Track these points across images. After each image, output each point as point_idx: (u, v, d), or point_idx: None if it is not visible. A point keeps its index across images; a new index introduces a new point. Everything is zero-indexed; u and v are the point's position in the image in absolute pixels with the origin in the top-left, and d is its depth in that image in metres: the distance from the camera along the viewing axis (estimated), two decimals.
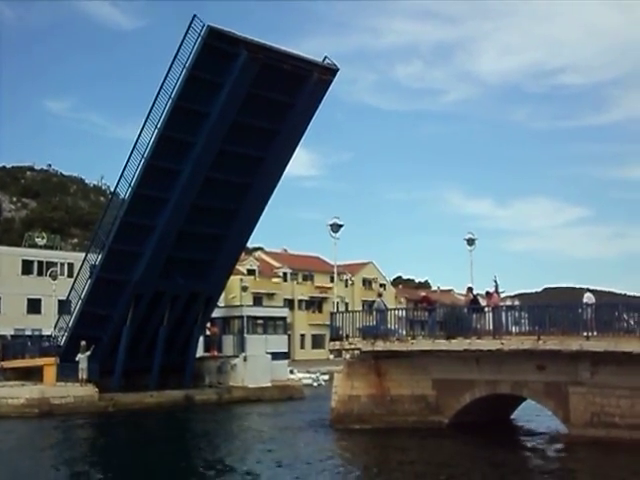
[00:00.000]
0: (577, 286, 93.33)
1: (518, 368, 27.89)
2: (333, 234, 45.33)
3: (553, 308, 29.99)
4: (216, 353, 49.08)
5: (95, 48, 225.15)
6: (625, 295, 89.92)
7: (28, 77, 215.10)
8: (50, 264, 75.84)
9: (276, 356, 48.82)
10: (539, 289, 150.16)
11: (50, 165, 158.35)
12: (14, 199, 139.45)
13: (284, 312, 58.27)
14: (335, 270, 52.11)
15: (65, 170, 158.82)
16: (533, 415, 32.14)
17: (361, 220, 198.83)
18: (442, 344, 29.24)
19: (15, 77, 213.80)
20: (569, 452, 25.30)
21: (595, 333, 26.19)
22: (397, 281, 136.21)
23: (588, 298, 27.96)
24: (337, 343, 32.93)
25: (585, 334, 26.07)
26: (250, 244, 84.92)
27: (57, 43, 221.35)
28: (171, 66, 37.50)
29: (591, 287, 30.95)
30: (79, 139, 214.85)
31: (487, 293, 33.33)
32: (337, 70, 40.63)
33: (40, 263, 77.75)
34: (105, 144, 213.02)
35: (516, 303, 43.57)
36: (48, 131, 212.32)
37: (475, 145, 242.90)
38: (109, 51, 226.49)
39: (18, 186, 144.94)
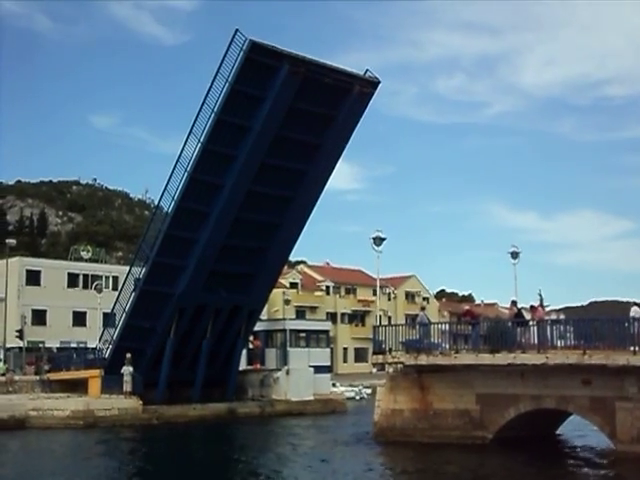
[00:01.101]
0: (624, 300, 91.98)
1: (563, 383, 27.48)
2: (376, 247, 45.47)
3: (599, 322, 29.51)
4: (259, 366, 49.14)
5: (139, 64, 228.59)
6: None
7: (73, 92, 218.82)
8: (95, 277, 76.75)
9: (319, 369, 48.69)
10: (585, 303, 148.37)
11: (95, 179, 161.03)
12: (60, 213, 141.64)
13: (327, 325, 58.13)
14: (378, 283, 52.24)
15: (110, 184, 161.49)
16: (579, 431, 31.64)
17: (404, 233, 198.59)
18: (486, 358, 28.90)
19: (61, 93, 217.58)
20: (615, 468, 24.82)
21: None
22: (440, 294, 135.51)
23: (635, 312, 27.45)
24: (380, 357, 32.70)
25: (632, 349, 25.60)
26: (293, 257, 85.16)
27: (102, 60, 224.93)
28: (214, 80, 37.83)
29: (638, 301, 30.41)
30: (124, 153, 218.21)
31: (531, 307, 32.97)
32: (378, 83, 40.62)
33: (85, 276, 78.61)
34: (149, 158, 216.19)
35: (561, 317, 43.01)
36: (93, 146, 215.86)
37: (519, 158, 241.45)
38: (153, 67, 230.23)
39: (64, 200, 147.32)
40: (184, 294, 41.49)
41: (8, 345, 67.34)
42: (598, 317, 34.06)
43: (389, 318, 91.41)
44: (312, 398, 46.92)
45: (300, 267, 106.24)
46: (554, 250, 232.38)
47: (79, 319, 75.90)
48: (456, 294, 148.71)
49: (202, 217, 40.32)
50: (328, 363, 53.02)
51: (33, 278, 75.38)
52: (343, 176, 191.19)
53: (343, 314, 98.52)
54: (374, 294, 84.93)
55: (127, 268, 47.64)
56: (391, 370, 33.01)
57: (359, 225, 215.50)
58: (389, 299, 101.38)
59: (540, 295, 67.53)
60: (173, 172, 39.92)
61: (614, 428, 26.04)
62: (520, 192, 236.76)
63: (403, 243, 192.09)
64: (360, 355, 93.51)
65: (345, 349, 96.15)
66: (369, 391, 57.35)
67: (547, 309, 47.79)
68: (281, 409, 44.95)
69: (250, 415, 43.28)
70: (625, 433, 25.61)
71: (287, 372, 47.06)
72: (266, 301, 49.57)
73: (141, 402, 40.51)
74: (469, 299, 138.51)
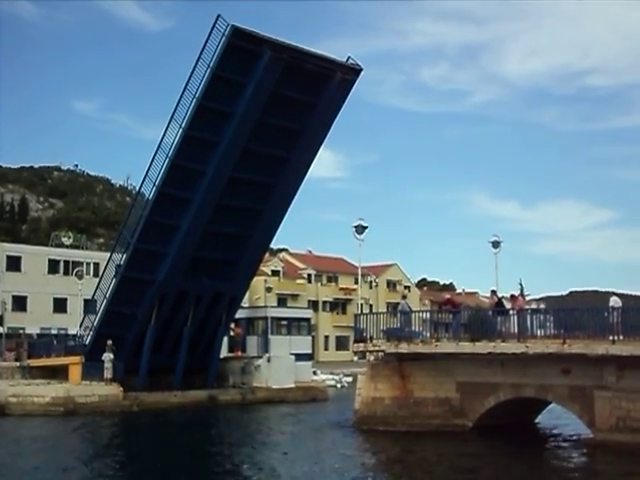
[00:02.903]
0: (603, 289, 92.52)
1: (543, 372, 27.63)
2: (358, 236, 45.19)
3: (579, 311, 29.63)
4: (240, 354, 49.09)
5: (123, 50, 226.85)
6: None
7: (56, 78, 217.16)
8: (76, 264, 76.41)
9: (300, 357, 48.73)
10: (565, 292, 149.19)
11: (77, 165, 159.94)
12: (41, 199, 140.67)
13: (308, 313, 58.20)
14: (359, 272, 52.01)
15: (92, 170, 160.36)
16: (558, 419, 31.83)
17: (386, 222, 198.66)
18: (466, 347, 29.00)
19: (43, 78, 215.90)
20: (594, 457, 25.04)
21: (621, 337, 25.87)
22: (422, 283, 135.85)
23: (614, 302, 27.65)
24: (361, 345, 32.78)
25: (611, 338, 25.73)
26: (275, 245, 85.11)
27: (85, 45, 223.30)
28: (195, 66, 37.62)
29: (617, 290, 30.68)
30: (106, 139, 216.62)
31: (512, 296, 33.09)
32: (360, 70, 40.54)
33: (66, 263, 78.31)
34: (131, 144, 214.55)
35: (541, 306, 43.17)
36: (75, 131, 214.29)
37: (502, 147, 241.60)
38: (136, 52, 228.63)
39: (45, 186, 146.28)
40: (165, 281, 41.36)
41: None
42: (578, 307, 34.21)
43: (370, 306, 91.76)
44: (293, 386, 46.92)
45: (282, 255, 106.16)
46: (535, 239, 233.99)
47: (60, 305, 75.65)
48: (437, 283, 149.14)
49: (183, 203, 40.15)
50: (309, 351, 53.06)
51: (13, 264, 75.10)
52: (326, 164, 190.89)
53: (325, 302, 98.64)
54: (356, 282, 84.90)
55: (108, 254, 47.43)
56: (372, 358, 33.10)
57: (341, 213, 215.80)
58: (370, 287, 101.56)
59: (520, 284, 67.83)
60: (154, 158, 39.75)
61: (593, 417, 26.20)
62: (502, 181, 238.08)
63: (385, 231, 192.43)
64: (341, 343, 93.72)
65: (326, 337, 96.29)
66: (350, 379, 57.47)
67: (527, 298, 48.01)
68: (262, 396, 44.95)
69: (231, 402, 43.24)
70: (603, 422, 25.76)
71: (268, 359, 47.03)
72: (247, 288, 49.50)
73: (122, 389, 40.41)
74: (450, 288, 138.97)
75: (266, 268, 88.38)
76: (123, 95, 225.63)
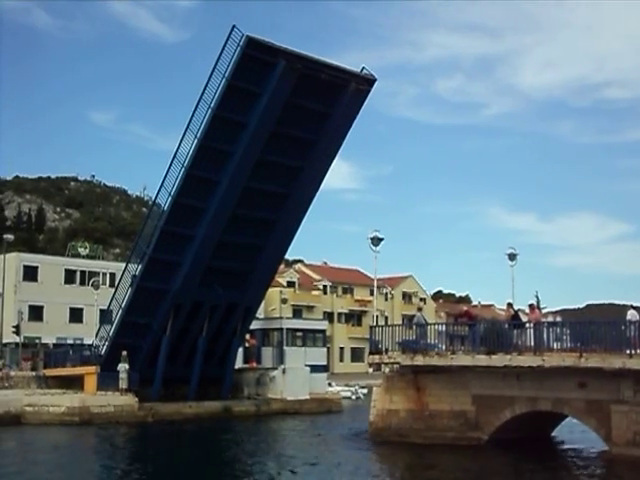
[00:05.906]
0: (620, 303, 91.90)
1: (559, 385, 27.42)
2: (373, 247, 45.28)
3: (596, 325, 29.36)
4: (255, 365, 49.07)
5: (139, 60, 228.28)
6: None
7: (72, 89, 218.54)
8: (92, 274, 76.68)
9: (315, 369, 48.59)
10: (582, 305, 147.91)
11: (94, 176, 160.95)
12: (58, 209, 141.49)
13: (323, 325, 58.08)
14: (375, 283, 52.03)
15: (108, 181, 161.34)
16: (574, 433, 31.56)
17: (402, 234, 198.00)
18: (482, 360, 28.81)
19: (60, 89, 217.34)
20: (610, 471, 24.78)
21: (639, 351, 25.63)
22: (437, 295, 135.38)
23: (632, 315, 27.38)
24: (376, 357, 32.64)
25: (628, 352, 25.52)
26: (290, 256, 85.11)
27: (101, 56, 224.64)
28: (210, 76, 37.79)
29: (635, 304, 30.30)
30: (123, 150, 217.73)
31: (530, 305, 32.79)
32: (375, 80, 40.59)
33: (82, 273, 78.60)
34: (148, 155, 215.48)
35: (558, 319, 42.89)
36: (92, 142, 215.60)
37: (518, 159, 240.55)
38: (152, 63, 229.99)
39: (62, 196, 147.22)
40: (180, 291, 41.40)
41: (4, 341, 67.12)
42: (595, 320, 33.93)
43: (386, 318, 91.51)
44: (308, 397, 46.80)
45: (297, 266, 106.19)
46: (552, 252, 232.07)
47: (76, 315, 75.91)
48: (453, 295, 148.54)
49: (198, 213, 40.24)
50: (324, 362, 52.99)
51: (30, 274, 75.44)
52: (341, 175, 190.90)
53: (340, 314, 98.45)
54: (371, 294, 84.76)
55: (124, 265, 47.53)
56: (387, 370, 33.02)
57: (357, 225, 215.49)
58: (386, 299, 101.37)
59: (537, 297, 67.33)
60: (170, 168, 39.92)
61: (609, 431, 25.95)
62: (518, 194, 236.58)
63: (401, 243, 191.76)
64: (356, 355, 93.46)
65: (342, 349, 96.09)
66: (365, 391, 57.33)
67: (544, 311, 47.74)
68: (277, 408, 44.83)
69: (246, 414, 43.17)
70: (620, 436, 25.50)
71: (283, 371, 46.93)
72: (262, 299, 49.46)
73: (137, 399, 40.32)
74: (466, 300, 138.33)
75: (281, 279, 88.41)
76: (139, 106, 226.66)
